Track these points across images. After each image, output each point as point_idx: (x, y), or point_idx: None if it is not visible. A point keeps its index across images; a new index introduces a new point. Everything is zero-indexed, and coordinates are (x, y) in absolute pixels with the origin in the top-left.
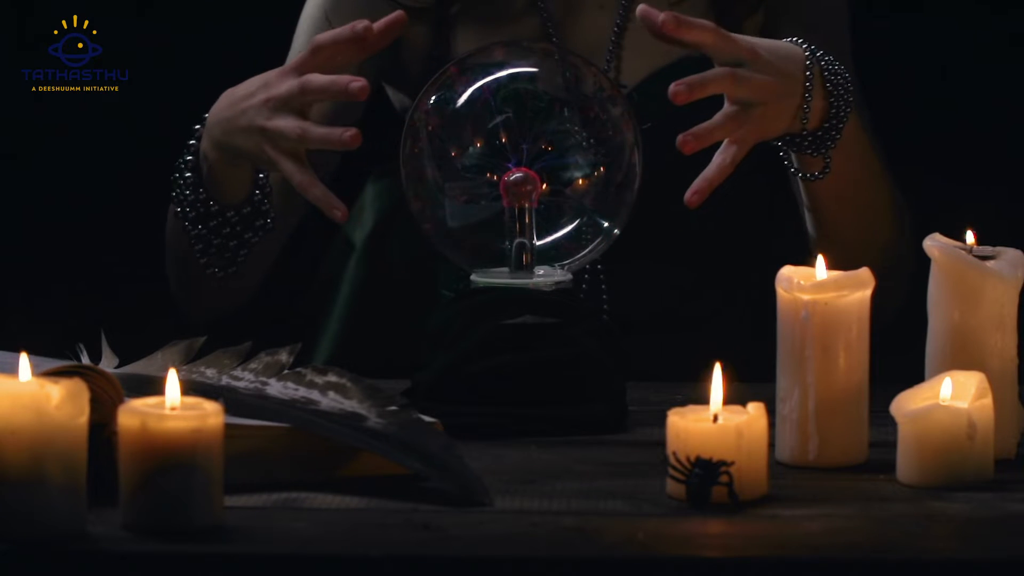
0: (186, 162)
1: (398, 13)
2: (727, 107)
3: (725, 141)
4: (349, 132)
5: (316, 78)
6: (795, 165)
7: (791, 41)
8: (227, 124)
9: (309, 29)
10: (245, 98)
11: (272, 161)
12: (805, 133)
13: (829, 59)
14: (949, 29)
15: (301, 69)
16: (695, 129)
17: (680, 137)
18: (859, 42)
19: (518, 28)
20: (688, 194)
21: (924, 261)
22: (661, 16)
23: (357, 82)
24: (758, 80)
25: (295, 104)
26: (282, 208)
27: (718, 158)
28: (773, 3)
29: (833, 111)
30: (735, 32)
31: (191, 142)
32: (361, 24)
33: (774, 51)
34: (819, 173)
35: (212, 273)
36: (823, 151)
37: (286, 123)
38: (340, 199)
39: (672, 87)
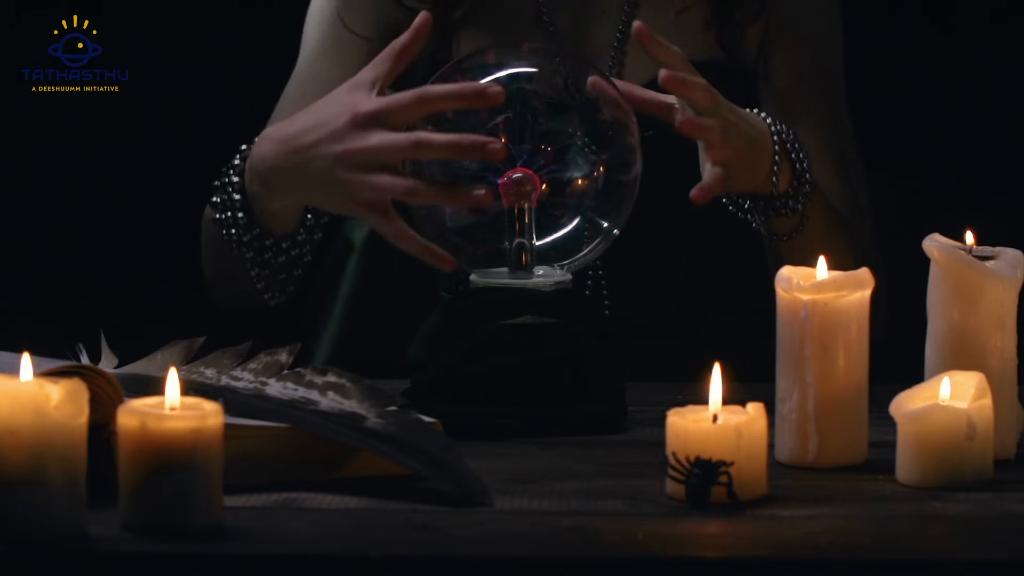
0: (230, 186)
1: (423, 15)
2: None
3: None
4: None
5: (435, 137)
6: (766, 228)
7: (754, 112)
8: (291, 174)
9: (321, 29)
10: (311, 146)
11: (357, 214)
12: (775, 193)
13: (786, 128)
14: (949, 29)
15: (368, 112)
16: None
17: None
18: (857, 44)
19: (520, 34)
20: (695, 191)
21: (924, 262)
22: (662, 73)
23: (493, 143)
24: (722, 117)
25: (390, 159)
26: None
27: (711, 172)
28: (773, 12)
29: (799, 168)
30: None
31: (235, 163)
32: (398, 45)
33: (744, 118)
34: (793, 233)
35: (270, 297)
36: (794, 209)
37: (383, 180)
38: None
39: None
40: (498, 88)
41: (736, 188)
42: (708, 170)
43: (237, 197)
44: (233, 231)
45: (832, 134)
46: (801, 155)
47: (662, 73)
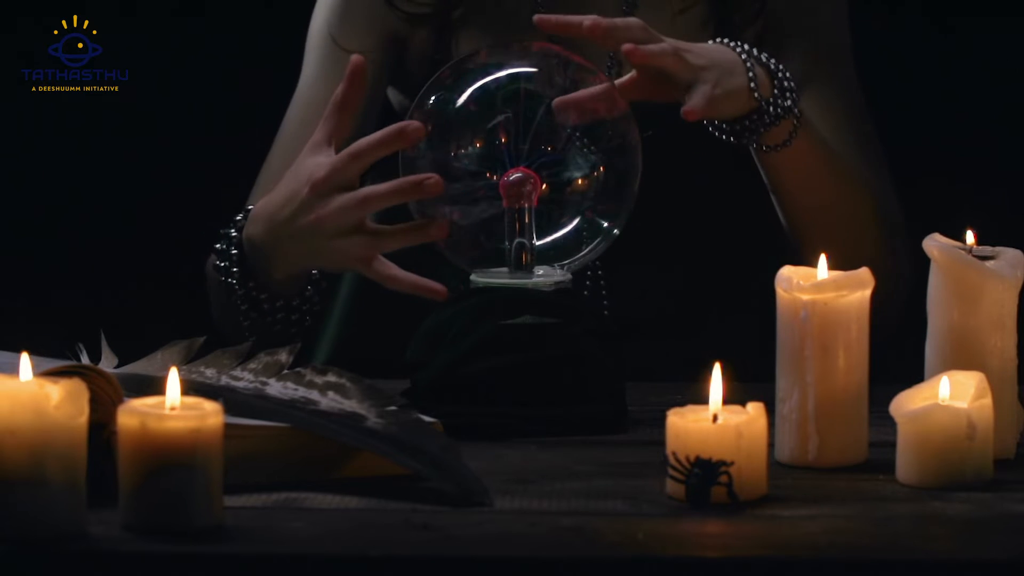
0: (227, 256)
1: (355, 59)
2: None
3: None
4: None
5: (379, 188)
6: (763, 150)
7: (715, 42)
8: (283, 248)
9: (317, 52)
10: (289, 221)
11: (355, 270)
12: (764, 105)
13: (750, 46)
14: (949, 29)
15: (321, 179)
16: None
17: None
18: (857, 44)
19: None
20: (684, 109)
21: (924, 262)
22: (624, 48)
23: (430, 179)
24: (689, 61)
25: (352, 219)
26: None
27: (696, 92)
28: (773, 11)
29: (779, 76)
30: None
31: (231, 233)
32: (337, 97)
33: (703, 47)
34: (789, 138)
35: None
36: (788, 115)
37: (352, 246)
38: None
39: (625, 48)
40: (417, 125)
41: (724, 114)
42: (692, 92)
43: (235, 269)
44: (232, 281)
45: (846, 118)
46: (772, 60)
47: (624, 47)
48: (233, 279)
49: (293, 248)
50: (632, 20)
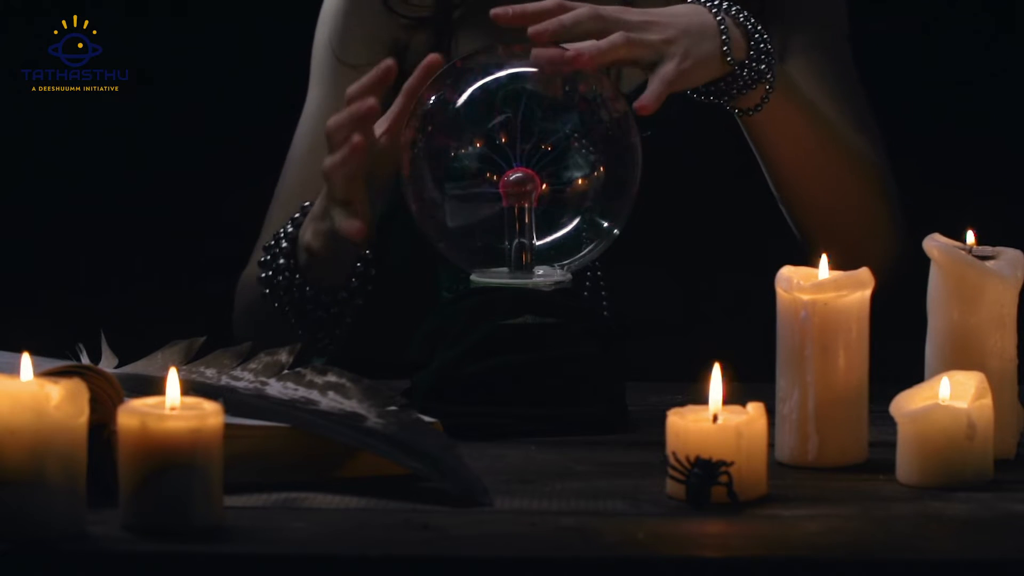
0: (279, 251)
1: (432, 57)
2: (619, 32)
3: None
4: (355, 226)
5: (327, 161)
6: (735, 109)
7: (689, 1)
8: (319, 224)
9: (322, 72)
10: (319, 206)
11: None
12: (738, 71)
13: (729, 2)
14: (949, 29)
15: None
16: (584, 46)
17: (547, 53)
18: (858, 45)
19: (518, 34)
20: (637, 103)
21: (924, 261)
22: (570, 55)
23: (352, 140)
24: (650, 39)
25: (342, 197)
26: None
27: (656, 76)
28: (771, 11)
29: (756, 36)
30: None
31: (287, 230)
32: (409, 87)
33: (673, 11)
34: (758, 106)
35: (312, 345)
36: (760, 80)
37: (348, 226)
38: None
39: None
40: (390, 62)
41: (696, 83)
42: (653, 75)
43: (281, 260)
44: (279, 290)
45: (846, 108)
46: (751, 20)
47: (570, 58)
48: (283, 275)
49: (314, 213)
50: (581, 11)
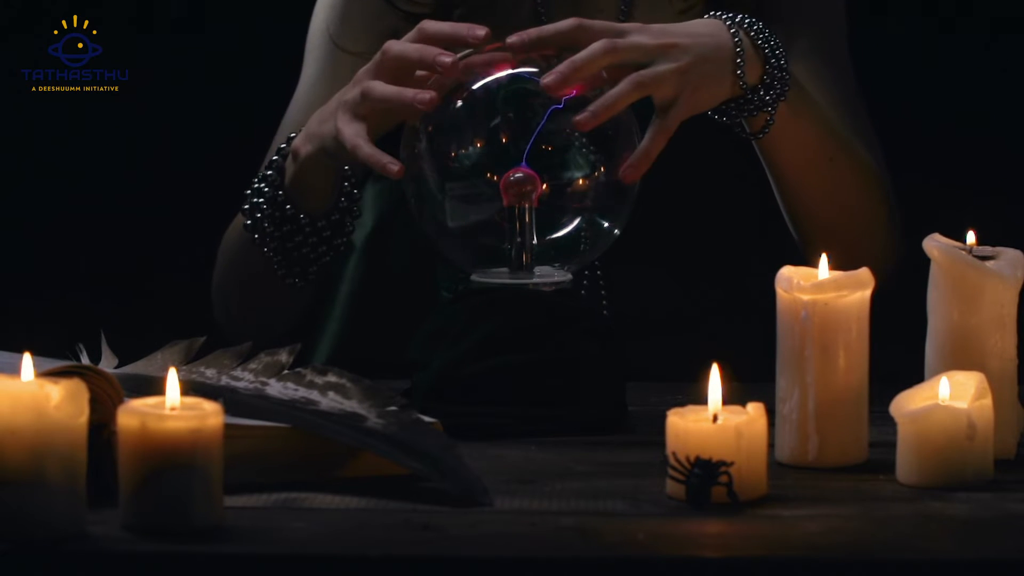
0: (265, 177)
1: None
2: (626, 79)
3: (656, 116)
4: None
5: (378, 87)
6: (744, 129)
7: (708, 16)
8: (312, 134)
9: (317, 53)
10: (328, 112)
11: (336, 136)
12: (750, 96)
13: (751, 20)
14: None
15: (371, 75)
16: (592, 106)
17: (577, 117)
18: (856, 45)
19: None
20: (623, 168)
21: (924, 262)
22: (583, 117)
23: (423, 95)
24: (663, 72)
25: (360, 111)
26: None
27: (651, 128)
28: (769, 10)
29: (772, 62)
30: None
31: (274, 158)
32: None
33: (690, 30)
34: (763, 129)
35: (292, 283)
36: (773, 107)
37: (347, 127)
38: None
39: (576, 119)
40: (429, 95)
41: (703, 109)
42: (651, 126)
43: (266, 188)
44: (252, 221)
45: (846, 114)
46: (770, 41)
47: (546, 84)
48: (266, 200)
49: (319, 134)
50: (595, 50)
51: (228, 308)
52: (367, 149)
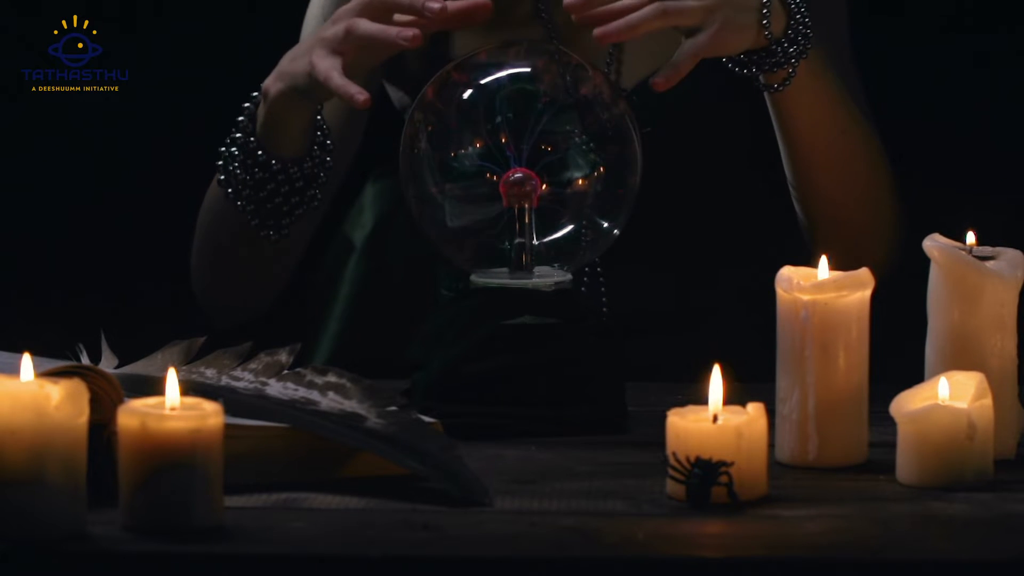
0: (236, 124)
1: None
2: (651, 5)
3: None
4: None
5: (363, 23)
6: (761, 83)
7: None
8: (283, 72)
9: (309, 34)
10: (301, 50)
11: (311, 71)
12: (774, 47)
13: None
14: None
15: (355, 14)
16: (613, 24)
17: (596, 31)
18: (857, 44)
19: (518, 31)
20: (654, 79)
21: (923, 262)
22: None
23: (406, 32)
24: (690, 6)
25: (339, 47)
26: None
27: (681, 49)
28: None
29: (797, 16)
30: None
31: (245, 105)
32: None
33: None
34: (782, 84)
35: (266, 235)
36: (795, 61)
37: (322, 61)
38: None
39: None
40: (413, 33)
41: (728, 52)
42: (683, 49)
43: (239, 135)
44: (228, 173)
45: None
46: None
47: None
48: (239, 148)
49: (292, 69)
50: (648, 11)
51: (203, 277)
52: (338, 80)
